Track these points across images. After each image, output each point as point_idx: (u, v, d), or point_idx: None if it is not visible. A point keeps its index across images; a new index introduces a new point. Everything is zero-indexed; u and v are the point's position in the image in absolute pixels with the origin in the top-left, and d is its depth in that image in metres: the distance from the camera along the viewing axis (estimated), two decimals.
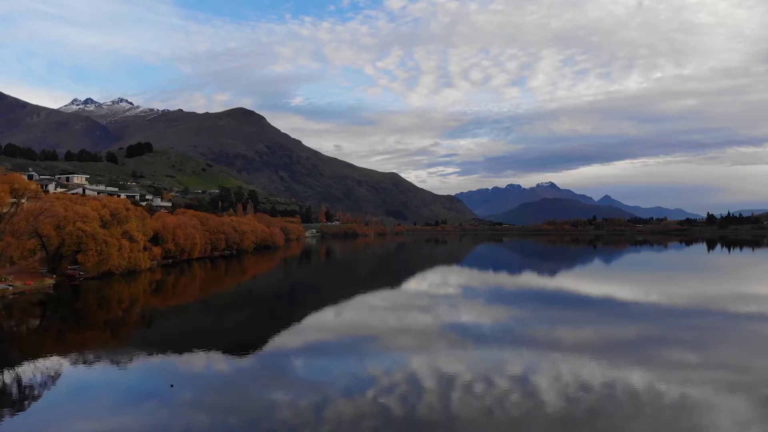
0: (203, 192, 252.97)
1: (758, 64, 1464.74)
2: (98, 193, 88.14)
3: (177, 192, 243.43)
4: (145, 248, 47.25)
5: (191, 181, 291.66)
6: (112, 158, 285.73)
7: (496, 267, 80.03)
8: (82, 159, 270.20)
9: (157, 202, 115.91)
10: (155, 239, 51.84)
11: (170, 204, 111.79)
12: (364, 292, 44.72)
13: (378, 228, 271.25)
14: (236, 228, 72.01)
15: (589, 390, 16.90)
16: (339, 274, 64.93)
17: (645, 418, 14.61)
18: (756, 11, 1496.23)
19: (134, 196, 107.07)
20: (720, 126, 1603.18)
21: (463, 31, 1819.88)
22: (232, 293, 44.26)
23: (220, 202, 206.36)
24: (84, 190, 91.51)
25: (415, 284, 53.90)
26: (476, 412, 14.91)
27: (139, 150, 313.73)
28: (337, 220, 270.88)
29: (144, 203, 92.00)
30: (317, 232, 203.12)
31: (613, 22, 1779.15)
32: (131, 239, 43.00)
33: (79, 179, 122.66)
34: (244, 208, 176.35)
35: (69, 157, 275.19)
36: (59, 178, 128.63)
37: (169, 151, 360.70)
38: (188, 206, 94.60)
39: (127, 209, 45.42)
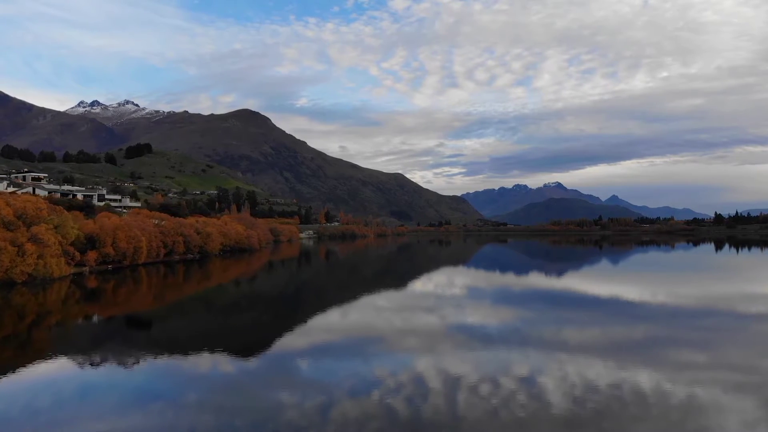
0: (201, 193, 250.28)
1: (765, 62, 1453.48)
2: (49, 192, 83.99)
3: (175, 193, 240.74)
4: (66, 253, 42.39)
5: (191, 182, 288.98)
6: (110, 159, 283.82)
7: (502, 268, 77.02)
8: (80, 160, 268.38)
9: (126, 202, 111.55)
10: (92, 243, 47.61)
11: (138, 204, 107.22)
12: (356, 298, 40.78)
13: (378, 229, 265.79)
14: (199, 230, 67.61)
15: (596, 390, 16.62)
16: (320, 280, 60.38)
17: (652, 418, 14.31)
18: (762, 9, 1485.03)
19: (92, 195, 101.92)
20: (727, 125, 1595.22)
21: (467, 31, 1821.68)
22: (177, 304, 39.83)
23: (217, 203, 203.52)
24: (34, 189, 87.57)
25: (421, 286, 51.53)
26: (482, 413, 14.74)
27: (138, 151, 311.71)
28: (337, 221, 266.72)
29: (102, 203, 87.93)
30: (314, 233, 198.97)
31: (619, 22, 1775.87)
32: (43, 243, 38.23)
33: (36, 177, 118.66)
34: (239, 209, 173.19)
35: (67, 158, 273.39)
36: (15, 176, 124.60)
37: (168, 152, 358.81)
38: (164, 207, 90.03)
39: (40, 209, 40.80)
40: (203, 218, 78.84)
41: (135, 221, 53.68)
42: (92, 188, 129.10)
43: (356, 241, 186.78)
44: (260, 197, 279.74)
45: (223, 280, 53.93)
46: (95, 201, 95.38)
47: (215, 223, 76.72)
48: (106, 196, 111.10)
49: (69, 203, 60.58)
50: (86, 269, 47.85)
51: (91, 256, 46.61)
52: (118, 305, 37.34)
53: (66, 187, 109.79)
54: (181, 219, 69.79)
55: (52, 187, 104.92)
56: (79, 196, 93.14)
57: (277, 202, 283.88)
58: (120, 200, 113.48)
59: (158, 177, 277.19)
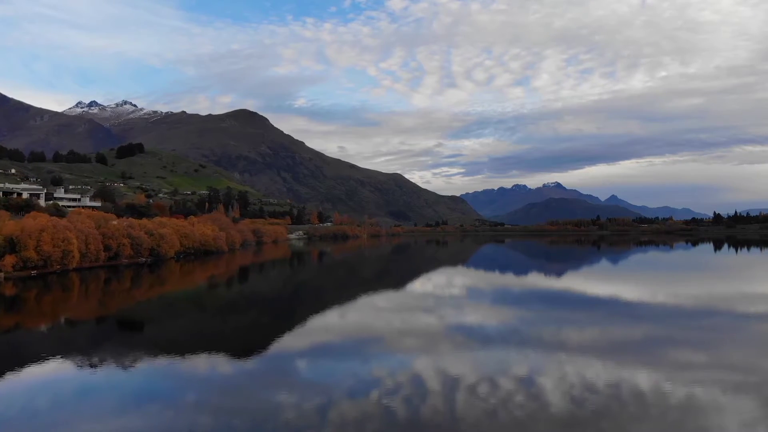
0: (193, 193, 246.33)
1: (764, 62, 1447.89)
2: None
3: (165, 193, 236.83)
4: None
5: (183, 182, 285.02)
6: (101, 159, 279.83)
7: (501, 268, 76.63)
8: (70, 160, 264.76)
9: (86, 202, 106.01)
10: (13, 246, 43.00)
11: (100, 204, 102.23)
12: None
13: (372, 229, 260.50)
14: (152, 231, 62.49)
15: (595, 391, 16.65)
16: (302, 287, 56.29)
17: (651, 419, 14.34)
18: (760, 9, 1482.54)
19: (38, 193, 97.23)
20: (726, 124, 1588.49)
21: (465, 31, 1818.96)
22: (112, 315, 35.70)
23: (207, 203, 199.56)
24: None
25: (419, 286, 51.19)
26: (481, 414, 14.76)
27: (130, 151, 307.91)
28: (330, 221, 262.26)
29: (50, 201, 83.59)
30: (304, 234, 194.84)
31: (617, 21, 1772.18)
32: None
33: None
34: (226, 209, 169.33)
35: (57, 158, 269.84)
36: None
37: (161, 152, 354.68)
38: (130, 207, 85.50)
39: None
40: (162, 218, 73.76)
41: (69, 222, 49.25)
42: (52, 188, 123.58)
43: (348, 242, 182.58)
44: (253, 197, 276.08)
45: (168, 289, 47.80)
46: (42, 200, 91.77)
47: (176, 224, 71.74)
48: (56, 195, 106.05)
49: (6, 202, 56.54)
50: (1, 275, 43.35)
51: (9, 260, 42.19)
52: (45, 315, 33.48)
53: (10, 186, 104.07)
54: (132, 219, 65.13)
55: None
56: (26, 195, 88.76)
57: (270, 203, 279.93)
58: (79, 200, 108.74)
59: (149, 177, 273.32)
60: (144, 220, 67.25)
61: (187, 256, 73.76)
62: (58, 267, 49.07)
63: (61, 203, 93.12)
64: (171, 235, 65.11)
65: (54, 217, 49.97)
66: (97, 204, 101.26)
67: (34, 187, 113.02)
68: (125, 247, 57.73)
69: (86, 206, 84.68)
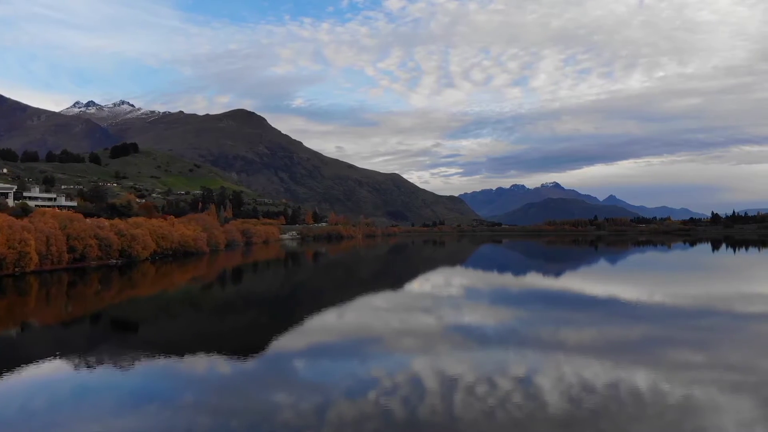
0: (186, 193, 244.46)
1: (762, 62, 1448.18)
2: None
3: (159, 193, 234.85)
4: None
5: (177, 182, 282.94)
6: (95, 159, 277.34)
7: (499, 268, 76.16)
8: (63, 160, 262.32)
9: (62, 201, 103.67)
10: None
11: (76, 204, 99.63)
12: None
13: (367, 229, 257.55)
14: (122, 231, 60.02)
15: (593, 391, 16.54)
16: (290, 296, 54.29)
17: (649, 419, 14.23)
18: (758, 9, 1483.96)
19: (7, 192, 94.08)
20: (724, 124, 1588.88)
21: (463, 31, 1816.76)
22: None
23: (200, 203, 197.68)
24: None
25: (417, 287, 50.58)
26: (479, 414, 14.65)
27: (124, 150, 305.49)
28: (326, 221, 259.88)
29: (18, 201, 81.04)
30: (297, 234, 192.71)
31: (615, 21, 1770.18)
32: None
33: None
34: (218, 209, 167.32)
35: (50, 158, 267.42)
36: None
37: (155, 152, 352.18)
38: (110, 207, 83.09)
39: None
40: (138, 218, 71.17)
41: (29, 222, 46.91)
42: (29, 186, 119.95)
43: (342, 242, 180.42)
44: (248, 197, 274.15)
45: (138, 293, 44.81)
46: (10, 200, 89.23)
47: (154, 224, 69.27)
48: (30, 195, 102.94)
49: None
50: None
51: None
52: (1, 320, 31.41)
53: None
54: (102, 219, 62.62)
55: None
56: None
57: (264, 202, 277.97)
58: (54, 199, 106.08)
59: (143, 177, 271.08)
60: (116, 220, 64.70)
61: (164, 258, 71.18)
62: (16, 270, 46.68)
63: (35, 203, 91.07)
64: (144, 235, 62.65)
65: (11, 217, 47.63)
66: (73, 204, 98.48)
67: (4, 185, 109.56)
68: (92, 249, 55.31)
69: (62, 206, 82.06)
